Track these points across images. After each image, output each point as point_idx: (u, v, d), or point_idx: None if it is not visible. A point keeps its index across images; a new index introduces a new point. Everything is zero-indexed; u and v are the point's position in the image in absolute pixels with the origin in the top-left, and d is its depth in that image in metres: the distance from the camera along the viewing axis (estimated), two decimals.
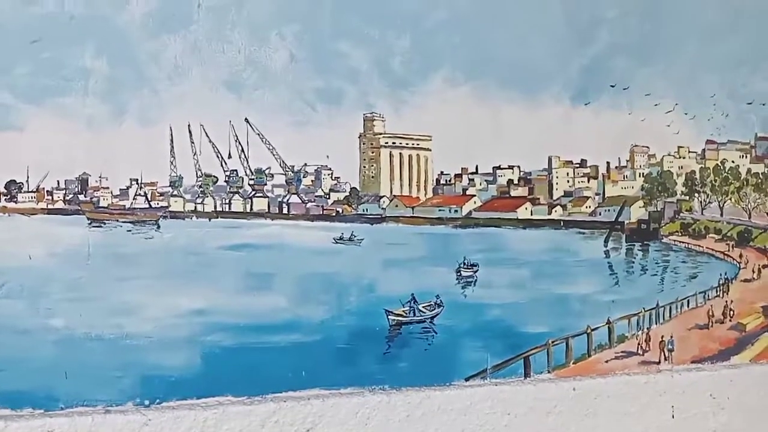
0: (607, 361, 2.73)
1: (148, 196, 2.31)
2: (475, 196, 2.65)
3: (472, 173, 2.64)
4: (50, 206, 2.23)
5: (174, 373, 2.27)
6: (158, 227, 2.31)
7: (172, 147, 2.31)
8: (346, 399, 2.40)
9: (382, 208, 2.55)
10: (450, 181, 2.62)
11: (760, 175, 3.03)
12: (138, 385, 2.24)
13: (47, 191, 2.23)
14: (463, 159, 2.64)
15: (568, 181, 2.74)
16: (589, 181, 2.77)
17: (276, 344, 2.37)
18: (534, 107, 2.65)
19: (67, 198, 2.24)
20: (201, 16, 2.32)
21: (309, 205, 2.49)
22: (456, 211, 2.63)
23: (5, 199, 2.20)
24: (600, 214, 2.79)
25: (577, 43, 2.72)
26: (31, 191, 2.22)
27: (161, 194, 2.32)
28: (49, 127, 2.21)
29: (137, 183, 2.30)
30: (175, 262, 2.30)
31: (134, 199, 2.29)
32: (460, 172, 2.63)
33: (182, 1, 2.31)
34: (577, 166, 2.75)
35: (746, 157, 3.02)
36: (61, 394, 2.19)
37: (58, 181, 2.24)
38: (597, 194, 2.80)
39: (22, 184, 2.21)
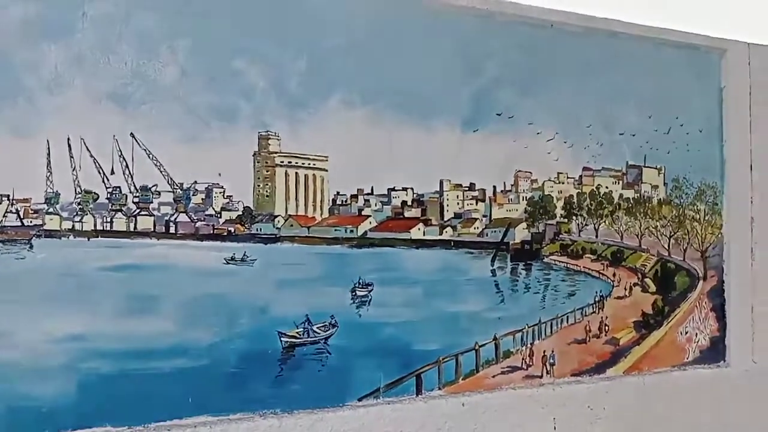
0: (494, 376, 2.84)
1: (21, 214, 2.14)
2: (370, 216, 2.68)
3: (368, 194, 2.68)
4: None
5: (46, 403, 2.11)
6: (31, 247, 2.15)
7: (49, 161, 2.17)
8: (235, 425, 2.33)
9: (277, 228, 2.52)
10: (346, 201, 2.64)
11: (631, 200, 3.31)
12: (4, 418, 2.06)
13: None
14: (359, 180, 2.67)
15: (458, 204, 2.85)
16: (477, 204, 2.90)
17: (160, 370, 2.26)
18: (427, 132, 2.74)
19: None
20: (85, 25, 2.22)
21: (198, 224, 2.42)
22: (352, 231, 2.65)
23: None
24: (487, 235, 2.92)
25: (467, 73, 2.85)
26: None
27: (35, 211, 2.16)
28: None
29: (8, 199, 2.13)
30: (49, 284, 2.15)
31: (4, 216, 2.12)
32: (355, 192, 2.66)
33: (65, 9, 2.20)
34: (467, 189, 2.87)
35: (618, 183, 3.28)
36: None
37: None
38: (484, 216, 2.93)
39: None
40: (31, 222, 2.15)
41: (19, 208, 2.14)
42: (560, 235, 3.11)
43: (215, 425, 2.30)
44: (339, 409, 2.50)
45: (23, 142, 2.15)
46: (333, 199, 2.63)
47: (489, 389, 2.81)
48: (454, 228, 2.84)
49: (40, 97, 2.18)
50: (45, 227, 2.17)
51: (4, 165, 2.13)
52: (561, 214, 3.11)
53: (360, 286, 2.60)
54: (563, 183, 3.11)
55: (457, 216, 2.84)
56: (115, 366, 2.20)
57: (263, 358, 2.42)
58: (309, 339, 2.49)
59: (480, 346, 2.79)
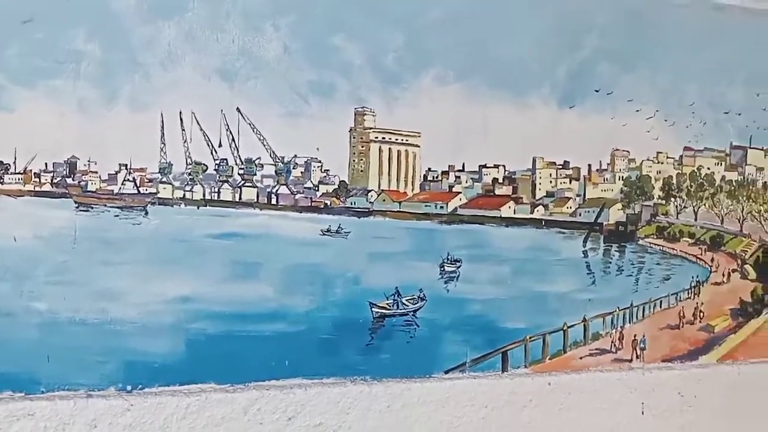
0: (581, 358, 2.81)
1: (137, 182, 2.30)
2: (460, 193, 2.69)
3: (459, 171, 2.68)
4: (37, 188, 2.21)
5: (157, 359, 2.29)
6: (146, 213, 2.31)
7: (163, 134, 2.31)
8: (327, 389, 2.44)
9: (370, 202, 2.58)
10: (437, 177, 2.66)
11: (734, 183, 3.14)
12: (121, 371, 2.25)
13: (35, 173, 2.21)
14: (451, 156, 2.68)
15: (551, 182, 2.81)
16: (570, 183, 2.84)
17: (260, 333, 2.39)
18: (522, 108, 2.71)
19: (55, 181, 2.23)
20: (196, 3, 2.32)
21: (298, 196, 2.51)
22: (442, 207, 2.67)
23: None
24: (580, 215, 2.86)
25: (566, 47, 2.78)
26: (18, 173, 2.20)
27: (150, 180, 2.32)
28: (38, 109, 2.20)
29: (126, 168, 2.29)
30: (162, 248, 2.31)
31: (123, 184, 2.29)
32: (447, 169, 2.68)
33: None
34: (560, 167, 2.82)
35: (721, 164, 3.12)
36: (43, 377, 2.19)
37: (45, 164, 2.23)
38: (578, 195, 2.87)
39: (9, 165, 2.19)
40: (146, 190, 2.31)
41: (135, 177, 2.30)
42: (657, 217, 3.01)
43: (310, 388, 2.41)
44: (426, 380, 2.56)
45: (140, 116, 2.29)
46: (424, 175, 2.66)
47: (576, 370, 2.79)
48: (545, 207, 2.80)
49: (154, 73, 2.31)
50: (159, 195, 2.33)
51: (123, 137, 2.28)
52: (659, 196, 3.01)
53: (449, 261, 2.63)
54: (662, 163, 2.99)
55: (549, 195, 2.80)
56: (219, 327, 2.34)
57: (355, 327, 2.51)
58: (398, 311, 2.55)
59: (568, 327, 2.77)
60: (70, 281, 2.21)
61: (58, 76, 2.21)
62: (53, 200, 2.24)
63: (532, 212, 2.79)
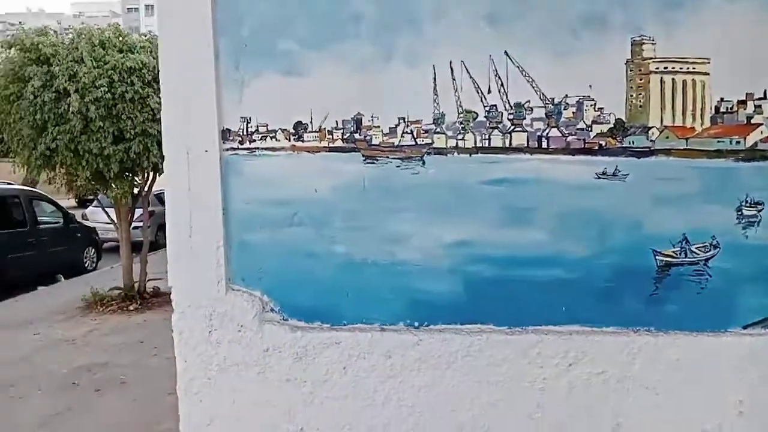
0: None
1: (414, 134, 2.42)
2: (762, 125, 2.32)
3: (759, 99, 2.31)
4: (330, 144, 2.46)
5: (440, 299, 2.42)
6: (423, 163, 2.43)
7: (435, 85, 2.39)
8: (608, 337, 2.35)
9: (651, 141, 2.36)
10: (732, 108, 2.32)
11: None
12: (408, 308, 2.44)
13: (328, 131, 2.46)
14: (748, 83, 2.31)
15: None
16: None
17: (535, 278, 2.38)
18: None
19: (345, 137, 2.45)
20: None
21: (569, 138, 2.40)
22: (738, 142, 2.33)
23: (294, 139, 2.48)
24: None
25: None
26: (315, 131, 2.47)
27: (425, 131, 2.42)
28: (327, 72, 2.43)
29: (404, 121, 2.42)
30: (439, 195, 2.41)
31: (402, 136, 2.43)
32: (744, 98, 2.32)
33: None
34: None
35: None
36: (345, 311, 2.47)
37: (336, 121, 2.46)
38: None
39: (307, 124, 2.47)
40: (422, 141, 2.42)
41: (413, 129, 2.42)
42: None
43: (589, 335, 2.35)
44: (721, 334, 2.32)
45: (413, 70, 2.40)
46: (716, 107, 2.34)
47: None
48: None
49: (425, 27, 2.39)
50: (434, 145, 2.42)
51: (400, 92, 2.41)
52: None
53: (748, 204, 2.30)
54: None
55: None
56: (495, 271, 2.39)
57: (636, 276, 2.35)
58: (687, 259, 2.33)
59: None
60: (362, 227, 2.44)
61: (341, 39, 2.41)
62: (344, 154, 2.47)
63: None
